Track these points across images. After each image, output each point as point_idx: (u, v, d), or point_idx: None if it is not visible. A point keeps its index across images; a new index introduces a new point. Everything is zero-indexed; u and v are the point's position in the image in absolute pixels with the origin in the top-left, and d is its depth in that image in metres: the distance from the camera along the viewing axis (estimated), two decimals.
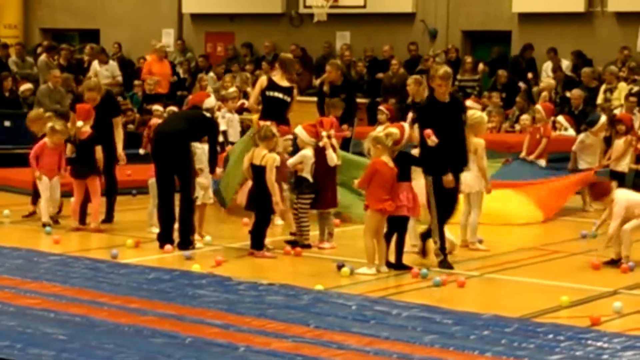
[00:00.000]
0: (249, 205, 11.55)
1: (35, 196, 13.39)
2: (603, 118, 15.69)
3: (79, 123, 12.75)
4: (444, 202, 10.74)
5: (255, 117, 13.86)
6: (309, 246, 11.76)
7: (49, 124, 13.09)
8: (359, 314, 7.98)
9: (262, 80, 13.64)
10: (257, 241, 11.26)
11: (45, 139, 12.98)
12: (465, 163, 11.09)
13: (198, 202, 11.95)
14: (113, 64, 23.42)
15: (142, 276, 9.38)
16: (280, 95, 13.34)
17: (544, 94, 19.67)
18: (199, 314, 7.88)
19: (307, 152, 11.78)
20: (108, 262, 10.30)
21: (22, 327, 7.39)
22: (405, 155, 10.88)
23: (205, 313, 7.92)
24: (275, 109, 13.26)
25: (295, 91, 13.67)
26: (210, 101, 12.52)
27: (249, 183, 11.85)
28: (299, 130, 12.01)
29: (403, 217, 10.69)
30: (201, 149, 11.88)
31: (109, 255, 10.78)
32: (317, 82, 17.28)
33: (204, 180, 11.99)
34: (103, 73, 22.62)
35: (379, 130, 11.03)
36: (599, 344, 7.23)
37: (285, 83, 13.44)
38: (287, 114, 13.44)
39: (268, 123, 12.18)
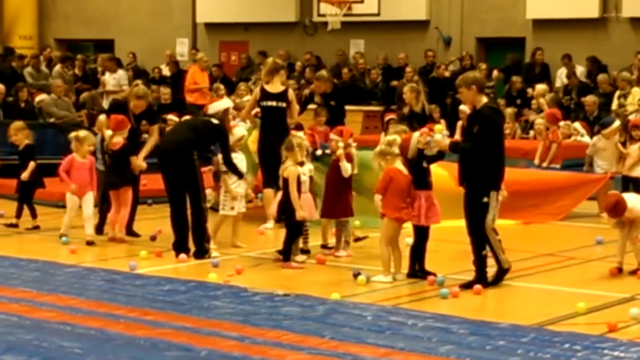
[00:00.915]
0: (279, 216, 11.60)
1: (20, 207, 13.52)
2: (617, 122, 15.65)
3: (109, 132, 12.51)
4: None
5: (251, 139, 13.76)
6: (308, 252, 11.72)
7: (72, 134, 12.84)
8: (375, 325, 7.97)
9: (256, 92, 13.60)
10: (286, 252, 11.24)
11: (74, 154, 12.66)
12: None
13: (233, 212, 11.92)
14: (122, 73, 23.47)
15: (158, 287, 9.38)
16: (274, 104, 13.23)
17: (541, 100, 19.58)
18: (215, 326, 7.87)
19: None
20: (124, 273, 10.31)
21: (38, 340, 7.39)
22: (422, 160, 10.77)
23: (221, 325, 7.91)
24: (272, 119, 13.21)
25: (290, 92, 13.50)
26: (215, 106, 12.41)
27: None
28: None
29: (422, 227, 10.65)
30: (236, 158, 11.87)
31: (127, 267, 10.79)
32: (306, 92, 17.54)
33: (239, 189, 11.91)
34: (111, 82, 22.71)
35: (381, 144, 11.08)
36: (615, 353, 7.20)
37: (278, 89, 13.29)
38: (287, 119, 13.32)
39: (296, 133, 12.27)
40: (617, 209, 10.92)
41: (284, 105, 13.29)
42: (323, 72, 17.96)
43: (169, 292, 9.15)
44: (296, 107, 13.73)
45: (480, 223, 10.16)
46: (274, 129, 13.01)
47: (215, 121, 11.90)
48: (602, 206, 14.62)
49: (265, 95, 13.27)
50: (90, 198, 12.64)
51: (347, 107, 20.29)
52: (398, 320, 8.15)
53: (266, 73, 13.38)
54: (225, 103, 12.80)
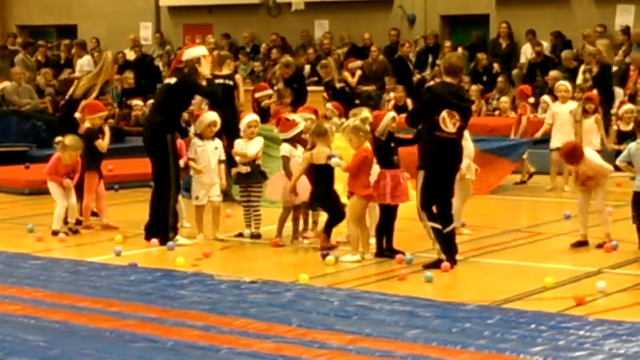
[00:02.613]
0: (314, 205, 11.34)
1: None
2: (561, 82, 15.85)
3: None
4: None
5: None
6: (259, 236, 11.71)
7: (58, 140, 12.59)
8: (342, 310, 7.91)
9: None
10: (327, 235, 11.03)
11: (59, 154, 12.35)
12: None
13: (200, 202, 11.77)
14: (87, 58, 23.31)
15: (124, 277, 9.27)
16: (222, 81, 14.09)
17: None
18: (181, 316, 7.79)
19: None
20: (89, 264, 10.18)
21: (2, 334, 7.29)
22: (391, 141, 10.73)
23: (187, 314, 7.83)
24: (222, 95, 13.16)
25: (237, 76, 15.09)
26: (189, 52, 11.66)
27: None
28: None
29: (389, 206, 10.62)
30: (202, 147, 11.69)
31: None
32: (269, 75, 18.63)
33: (205, 178, 11.72)
34: (84, 67, 22.57)
35: (354, 119, 10.96)
36: (581, 332, 7.19)
37: (226, 72, 14.67)
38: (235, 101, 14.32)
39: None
40: (574, 154, 10.93)
41: (232, 83, 14.60)
42: (289, 58, 19.11)
43: (134, 282, 9.05)
44: (242, 90, 14.96)
45: None
46: (223, 104, 13.16)
47: (172, 81, 11.52)
48: (569, 180, 14.69)
49: (214, 77, 13.24)
50: (68, 188, 12.36)
51: (312, 88, 20.37)
52: (365, 304, 8.10)
53: (214, 65, 13.80)
54: (200, 50, 11.92)
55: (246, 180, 11.87)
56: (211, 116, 11.92)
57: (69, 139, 12.22)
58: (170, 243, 11.27)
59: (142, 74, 23.69)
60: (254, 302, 8.18)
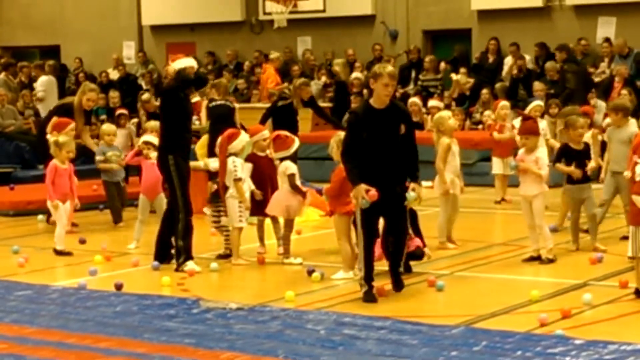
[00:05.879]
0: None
1: None
2: (536, 102, 15.74)
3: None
4: (369, 223, 9.43)
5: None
6: (228, 256, 11.50)
7: (52, 139, 12.56)
8: (328, 340, 7.80)
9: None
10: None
11: (54, 161, 12.27)
12: (405, 177, 9.53)
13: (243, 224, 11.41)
14: (45, 78, 23.33)
15: (110, 309, 9.09)
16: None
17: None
18: (168, 351, 7.67)
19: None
20: (76, 292, 9.98)
21: None
22: None
23: (174, 349, 7.72)
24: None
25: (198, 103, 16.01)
26: (180, 62, 11.39)
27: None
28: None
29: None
30: (231, 162, 11.32)
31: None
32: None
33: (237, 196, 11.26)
34: (39, 88, 22.77)
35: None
36: (567, 359, 7.15)
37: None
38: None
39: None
40: (530, 126, 10.95)
41: (231, 105, 15.24)
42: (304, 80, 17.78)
43: (120, 313, 8.87)
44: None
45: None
46: (225, 124, 13.30)
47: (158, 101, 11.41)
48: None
49: (211, 100, 14.54)
50: (68, 206, 12.30)
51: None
52: (351, 333, 8.01)
53: (218, 92, 15.21)
54: (188, 61, 11.59)
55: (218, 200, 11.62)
56: (246, 137, 11.67)
57: (61, 137, 12.34)
58: (154, 263, 11.17)
59: (125, 93, 23.68)
60: (240, 334, 8.05)
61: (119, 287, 10.05)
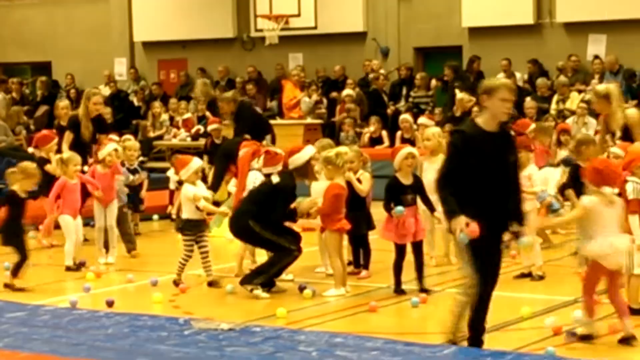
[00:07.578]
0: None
1: None
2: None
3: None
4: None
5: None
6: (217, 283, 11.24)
7: (56, 157, 12.52)
8: None
9: None
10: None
11: (62, 180, 12.14)
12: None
13: None
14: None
15: (102, 331, 8.94)
16: None
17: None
18: None
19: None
20: (68, 312, 9.84)
21: None
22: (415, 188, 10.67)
23: None
24: None
25: None
26: (296, 158, 10.72)
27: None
28: None
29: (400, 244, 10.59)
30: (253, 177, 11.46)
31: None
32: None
33: None
34: None
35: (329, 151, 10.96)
36: None
37: None
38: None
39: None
40: (520, 141, 10.51)
41: None
42: (228, 94, 17.72)
43: (111, 337, 8.73)
44: None
45: None
46: None
47: (275, 180, 10.70)
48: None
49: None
50: (79, 221, 12.29)
51: (289, 121, 20.47)
52: (343, 355, 7.93)
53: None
54: (308, 151, 10.89)
55: (197, 228, 11.22)
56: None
57: (64, 154, 12.45)
58: (152, 278, 11.15)
59: (117, 109, 23.72)
60: (232, 357, 8.00)
61: (110, 304, 10.04)
